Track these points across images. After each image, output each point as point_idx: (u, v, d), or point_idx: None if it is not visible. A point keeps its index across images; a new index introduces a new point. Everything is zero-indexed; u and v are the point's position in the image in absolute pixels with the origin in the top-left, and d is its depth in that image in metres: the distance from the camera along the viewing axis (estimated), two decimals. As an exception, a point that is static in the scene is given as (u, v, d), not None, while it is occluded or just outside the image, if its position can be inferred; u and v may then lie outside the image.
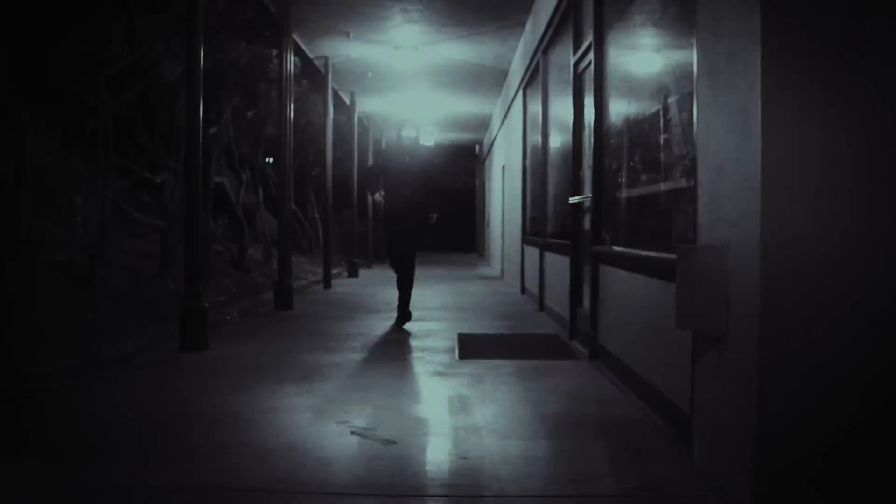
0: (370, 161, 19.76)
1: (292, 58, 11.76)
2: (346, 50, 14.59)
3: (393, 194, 9.53)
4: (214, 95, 11.36)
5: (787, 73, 3.31)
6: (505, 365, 6.81)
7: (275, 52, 12.42)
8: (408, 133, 9.85)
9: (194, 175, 7.48)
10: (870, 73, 3.31)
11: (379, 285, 7.97)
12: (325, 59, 14.99)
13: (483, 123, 24.19)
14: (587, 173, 7.58)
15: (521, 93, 13.94)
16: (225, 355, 7.22)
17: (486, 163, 27.05)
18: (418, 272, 9.66)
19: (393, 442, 4.44)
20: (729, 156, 3.70)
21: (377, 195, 9.55)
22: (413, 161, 9.69)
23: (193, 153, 7.45)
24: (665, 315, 4.46)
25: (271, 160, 17.64)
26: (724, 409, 3.72)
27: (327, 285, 15.18)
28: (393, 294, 9.02)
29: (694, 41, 4.26)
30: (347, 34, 13.46)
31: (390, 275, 9.06)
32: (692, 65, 4.29)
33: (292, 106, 11.57)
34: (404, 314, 9.37)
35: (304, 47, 14.16)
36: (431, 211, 9.58)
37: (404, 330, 8.98)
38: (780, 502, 3.31)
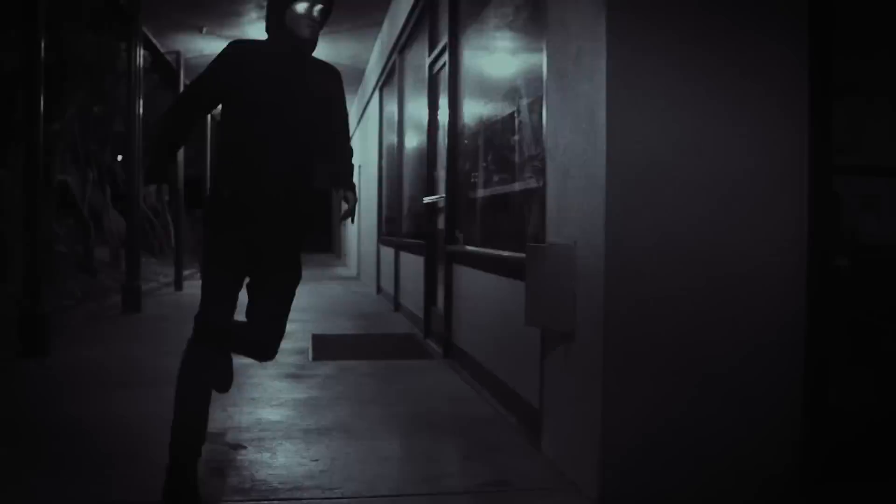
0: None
1: (142, 52, 11.39)
2: (200, 45, 14.21)
3: (255, 152, 3.67)
4: (58, 89, 10.88)
5: (633, 75, 3.40)
6: (359, 365, 6.78)
7: (123, 46, 12.00)
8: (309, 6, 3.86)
9: (34, 173, 7.16)
10: (713, 74, 3.44)
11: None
12: (177, 53, 14.56)
13: (340, 123, 24.02)
14: (441, 173, 7.63)
15: (377, 92, 13.92)
16: (69, 362, 6.90)
17: (344, 163, 26.87)
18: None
19: (242, 446, 4.35)
20: (576, 157, 3.77)
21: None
22: (317, 77, 3.91)
23: (34, 149, 7.14)
24: (515, 313, 4.53)
25: (121, 158, 17.06)
26: (573, 403, 3.80)
27: (179, 287, 14.78)
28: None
29: (544, 44, 4.33)
30: (200, 29, 13.14)
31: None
32: (543, 67, 4.36)
33: (142, 101, 11.21)
34: None
35: (154, 41, 13.73)
36: (336, 181, 3.95)
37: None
38: (627, 494, 3.41)
